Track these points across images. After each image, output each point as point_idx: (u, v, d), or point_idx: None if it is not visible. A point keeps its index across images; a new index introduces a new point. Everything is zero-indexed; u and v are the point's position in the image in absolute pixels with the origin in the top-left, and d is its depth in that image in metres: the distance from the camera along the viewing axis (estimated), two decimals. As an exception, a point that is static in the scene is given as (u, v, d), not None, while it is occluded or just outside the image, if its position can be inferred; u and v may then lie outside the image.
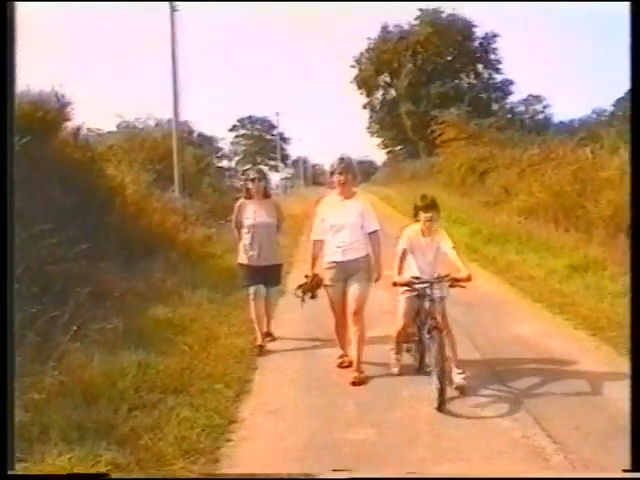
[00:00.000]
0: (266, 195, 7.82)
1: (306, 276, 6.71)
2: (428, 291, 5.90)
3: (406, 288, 6.10)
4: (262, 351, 7.30)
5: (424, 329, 6.00)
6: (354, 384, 6.16)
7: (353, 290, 6.39)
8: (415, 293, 6.05)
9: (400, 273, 6.15)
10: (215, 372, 6.35)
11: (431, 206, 6.09)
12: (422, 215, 6.07)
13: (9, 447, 3.17)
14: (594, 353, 6.84)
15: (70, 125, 12.39)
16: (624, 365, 6.19)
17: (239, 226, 7.75)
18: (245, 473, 4.21)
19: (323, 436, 5.03)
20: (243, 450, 4.80)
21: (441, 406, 5.33)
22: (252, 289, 7.58)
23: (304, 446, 4.86)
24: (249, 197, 7.71)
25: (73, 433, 4.58)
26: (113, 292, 8.51)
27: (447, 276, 5.94)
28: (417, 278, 6.01)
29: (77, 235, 9.32)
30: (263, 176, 7.86)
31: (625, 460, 3.40)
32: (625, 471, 3.16)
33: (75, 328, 6.22)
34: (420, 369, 6.29)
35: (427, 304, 5.92)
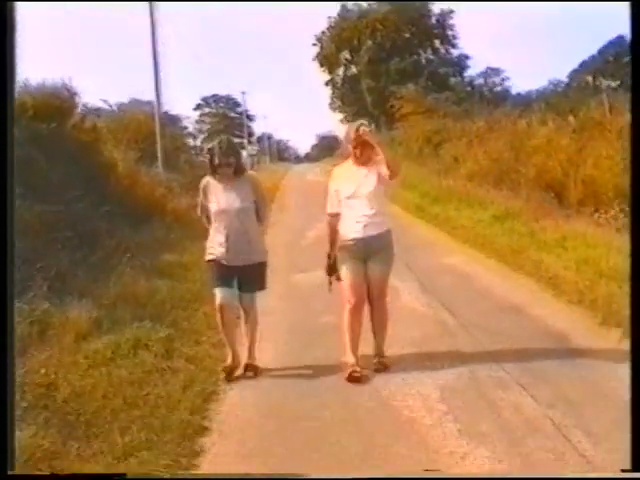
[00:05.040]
0: (239, 171, 5.79)
1: (328, 255, 5.89)
2: None
3: None
4: (232, 373, 5.76)
5: None
6: (377, 370, 5.72)
7: (376, 272, 5.72)
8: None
9: None
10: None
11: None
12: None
13: (9, 447, 3.08)
14: (495, 271, 9.40)
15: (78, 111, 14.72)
16: (513, 277, 8.82)
17: (206, 212, 5.90)
18: (245, 473, 4.24)
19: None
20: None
21: None
22: (219, 292, 5.76)
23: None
24: (215, 174, 5.79)
25: (136, 322, 6.90)
26: (130, 244, 10.82)
27: None
28: None
29: (95, 201, 11.73)
30: (231, 147, 5.82)
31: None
32: (625, 471, 3.12)
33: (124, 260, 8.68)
34: None
35: None
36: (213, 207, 5.78)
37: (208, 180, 5.85)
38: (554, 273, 8.37)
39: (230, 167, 5.70)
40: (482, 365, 5.65)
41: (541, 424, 4.47)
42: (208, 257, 5.89)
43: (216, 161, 5.68)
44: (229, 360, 5.83)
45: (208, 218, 5.91)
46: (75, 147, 13.46)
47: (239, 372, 5.79)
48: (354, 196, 5.66)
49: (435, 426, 4.57)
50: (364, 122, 5.72)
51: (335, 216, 5.81)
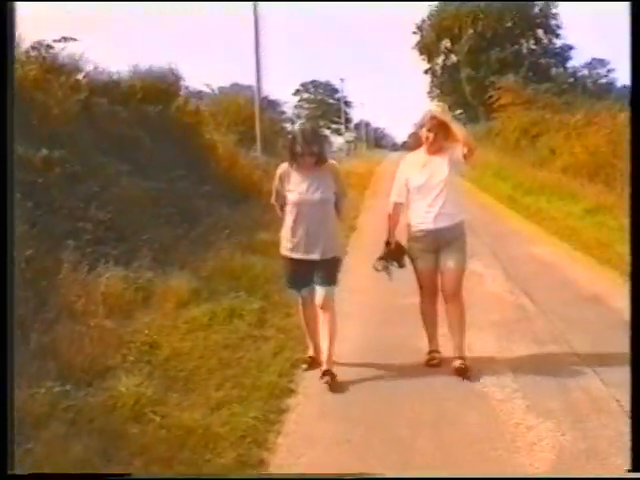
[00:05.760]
0: (320, 161, 5.38)
1: (387, 243, 5.72)
2: None
3: None
4: (314, 364, 5.62)
5: None
6: (457, 374, 5.37)
7: (448, 266, 5.48)
8: None
9: None
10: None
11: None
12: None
13: (9, 447, 3.07)
14: (580, 262, 9.58)
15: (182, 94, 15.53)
16: (598, 269, 8.94)
17: (282, 202, 5.55)
18: (244, 473, 4.19)
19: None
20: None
21: None
22: (299, 292, 5.69)
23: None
24: (295, 162, 5.36)
25: (232, 293, 7.40)
26: (228, 222, 11.38)
27: None
28: None
29: (196, 180, 12.38)
30: (315, 135, 5.56)
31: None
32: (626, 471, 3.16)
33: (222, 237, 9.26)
34: None
35: None
36: (291, 196, 5.39)
37: (287, 167, 5.45)
38: (640, 267, 8.44)
39: (312, 156, 5.28)
40: (556, 349, 5.91)
41: (606, 404, 4.72)
42: (284, 251, 5.56)
43: (298, 149, 5.25)
44: (311, 351, 5.73)
45: (282, 207, 5.55)
46: (178, 129, 14.21)
47: (319, 367, 5.48)
48: (425, 186, 5.45)
49: (505, 401, 4.86)
50: (439, 103, 5.55)
51: (399, 205, 5.64)
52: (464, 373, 5.35)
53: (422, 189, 5.46)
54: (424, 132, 5.45)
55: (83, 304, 6.28)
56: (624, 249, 9.44)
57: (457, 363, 5.44)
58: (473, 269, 8.83)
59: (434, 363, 5.59)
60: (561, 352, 5.84)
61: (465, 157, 5.39)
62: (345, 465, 4.01)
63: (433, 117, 5.44)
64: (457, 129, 5.41)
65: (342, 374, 5.39)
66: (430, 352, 5.70)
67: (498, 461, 3.99)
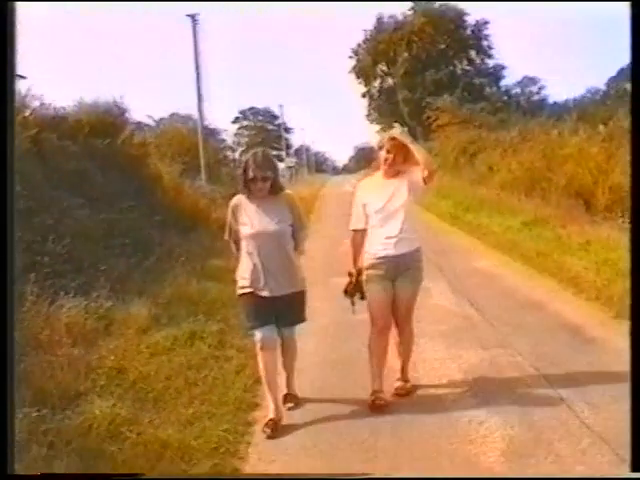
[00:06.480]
0: (275, 188, 5.03)
1: (350, 274, 5.43)
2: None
3: None
4: (276, 427, 4.94)
5: None
6: (398, 395, 5.43)
7: (405, 292, 5.32)
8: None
9: None
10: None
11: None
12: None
13: (9, 447, 3.10)
14: (520, 273, 10.09)
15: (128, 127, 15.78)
16: (537, 277, 9.43)
17: (236, 238, 5.17)
18: (245, 473, 4.37)
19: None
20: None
21: None
22: (259, 332, 5.08)
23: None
24: (248, 193, 5.01)
25: (191, 317, 7.65)
26: (180, 250, 11.61)
27: None
28: None
29: (145, 211, 12.61)
30: (268, 160, 5.02)
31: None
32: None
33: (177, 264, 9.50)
34: None
35: None
36: (245, 230, 5.01)
37: (239, 199, 5.08)
38: (575, 274, 8.99)
39: (266, 182, 4.92)
40: (501, 352, 6.33)
41: (550, 399, 5.13)
42: (240, 290, 5.14)
43: (250, 174, 4.87)
44: (271, 413, 5.06)
45: (237, 244, 5.17)
46: (126, 161, 14.44)
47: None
48: (384, 211, 5.23)
49: (457, 400, 5.24)
50: (397, 124, 5.31)
51: (360, 232, 5.38)
52: (405, 395, 5.39)
53: (381, 214, 5.25)
54: (383, 154, 5.21)
55: (48, 335, 6.44)
56: (561, 258, 10.04)
57: (399, 385, 5.47)
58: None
59: (380, 404, 5.20)
60: (506, 354, 6.25)
61: (425, 180, 5.17)
62: (315, 468, 4.32)
63: (392, 138, 5.19)
64: (417, 151, 5.17)
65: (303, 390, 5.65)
66: (374, 392, 5.28)
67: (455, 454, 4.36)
